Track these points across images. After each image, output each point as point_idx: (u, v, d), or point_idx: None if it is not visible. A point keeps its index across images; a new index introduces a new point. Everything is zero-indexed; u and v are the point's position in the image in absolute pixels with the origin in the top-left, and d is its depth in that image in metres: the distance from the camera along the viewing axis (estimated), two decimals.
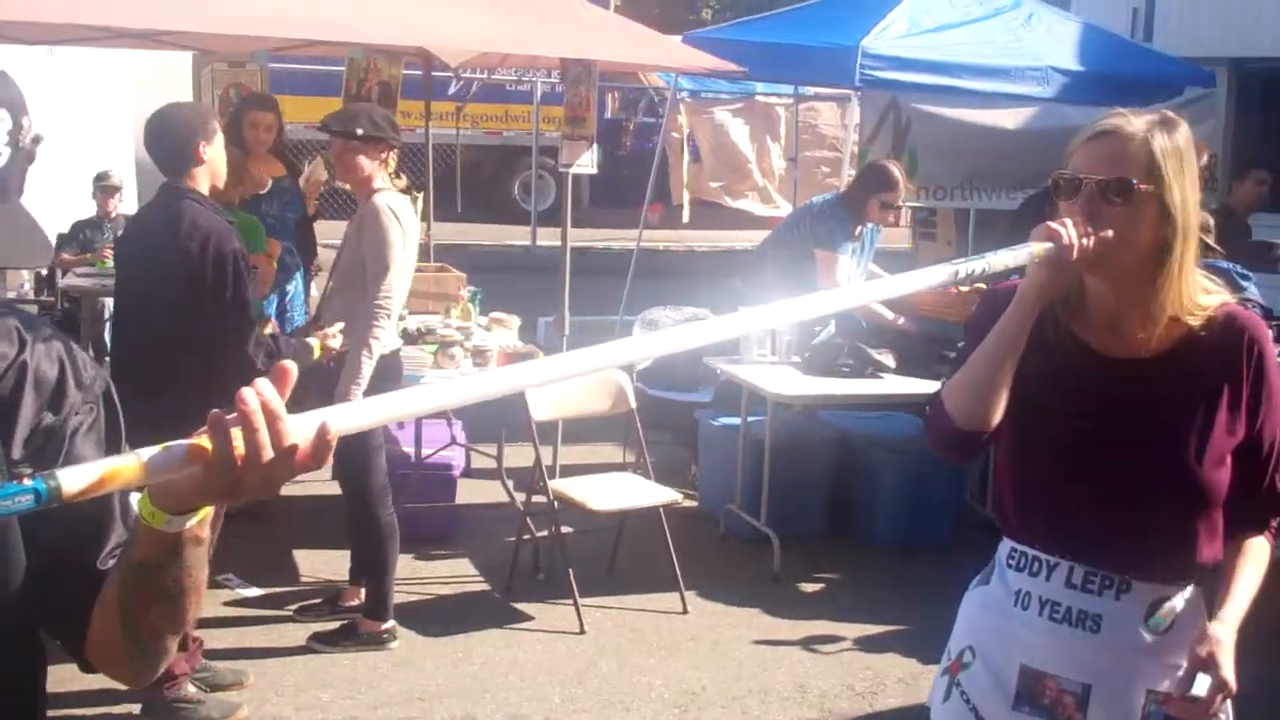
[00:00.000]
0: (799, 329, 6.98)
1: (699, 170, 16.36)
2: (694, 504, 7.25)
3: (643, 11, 26.15)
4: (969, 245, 10.33)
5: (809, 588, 6.46)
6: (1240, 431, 2.47)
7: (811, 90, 14.66)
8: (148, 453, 1.33)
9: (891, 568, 6.68)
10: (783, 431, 6.90)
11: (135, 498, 1.54)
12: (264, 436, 1.36)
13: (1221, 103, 12.23)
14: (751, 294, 6.81)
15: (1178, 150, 2.39)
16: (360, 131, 5.25)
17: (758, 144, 16.39)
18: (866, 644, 5.81)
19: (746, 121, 16.37)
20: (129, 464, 1.32)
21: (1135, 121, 2.40)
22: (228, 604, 5.85)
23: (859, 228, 7.30)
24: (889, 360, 6.93)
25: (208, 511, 1.52)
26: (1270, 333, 2.57)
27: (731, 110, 16.26)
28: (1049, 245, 2.28)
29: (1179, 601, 2.48)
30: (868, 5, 9.97)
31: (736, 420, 6.94)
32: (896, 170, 7.37)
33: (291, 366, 1.41)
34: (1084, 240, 2.30)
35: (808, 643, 5.78)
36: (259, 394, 1.36)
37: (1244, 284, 6.65)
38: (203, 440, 1.36)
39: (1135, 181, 2.35)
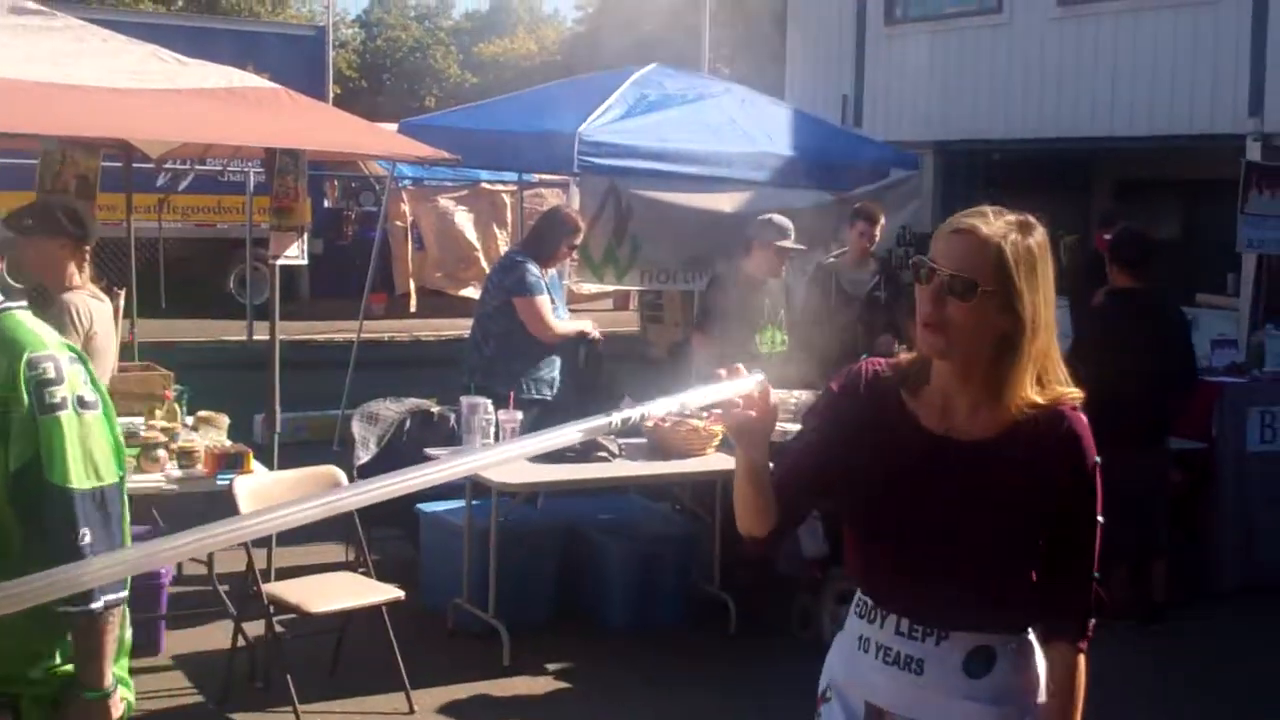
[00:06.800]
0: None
1: (424, 258, 16.20)
2: (420, 601, 7.05)
3: (366, 100, 25.98)
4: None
5: (539, 678, 6.33)
6: (1052, 520, 2.64)
7: (536, 177, 14.73)
8: None
9: (623, 652, 6.60)
10: (509, 520, 6.79)
11: None
12: None
13: (928, 183, 12.76)
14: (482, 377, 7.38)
15: (1030, 252, 2.54)
16: (29, 223, 5.02)
17: (483, 231, 16.35)
18: None
19: (471, 209, 16.33)
20: None
21: (994, 223, 2.54)
22: None
23: (547, 271, 7.65)
24: (614, 445, 6.92)
25: None
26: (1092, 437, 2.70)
27: (455, 198, 16.21)
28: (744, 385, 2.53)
29: (998, 648, 2.70)
30: (585, 92, 10.08)
31: (460, 510, 6.80)
32: (574, 212, 8.03)
33: None
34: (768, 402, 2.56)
35: None
36: None
37: None
38: None
39: (978, 285, 2.49)
